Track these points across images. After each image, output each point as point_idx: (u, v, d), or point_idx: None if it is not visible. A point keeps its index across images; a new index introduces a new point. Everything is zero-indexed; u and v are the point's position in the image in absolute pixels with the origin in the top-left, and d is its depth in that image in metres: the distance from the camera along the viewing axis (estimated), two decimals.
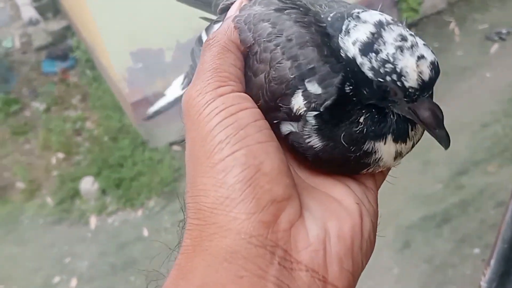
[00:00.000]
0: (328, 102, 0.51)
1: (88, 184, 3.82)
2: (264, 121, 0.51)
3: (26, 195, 3.89)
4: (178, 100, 0.70)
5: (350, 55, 0.51)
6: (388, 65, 0.50)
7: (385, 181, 0.59)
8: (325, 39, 0.53)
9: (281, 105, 0.53)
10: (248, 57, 0.56)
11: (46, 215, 3.77)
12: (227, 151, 0.48)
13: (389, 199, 2.62)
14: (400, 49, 0.50)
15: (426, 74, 0.50)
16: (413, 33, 0.51)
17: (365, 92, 0.52)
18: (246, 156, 0.48)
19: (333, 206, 0.52)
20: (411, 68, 0.49)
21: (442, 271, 2.79)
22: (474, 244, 2.86)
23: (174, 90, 0.86)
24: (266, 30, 0.55)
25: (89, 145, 4.10)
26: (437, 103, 0.52)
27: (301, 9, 0.56)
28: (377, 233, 0.54)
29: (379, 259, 2.77)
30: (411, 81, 0.49)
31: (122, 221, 3.66)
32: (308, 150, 0.53)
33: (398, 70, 0.49)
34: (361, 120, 0.52)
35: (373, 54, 0.50)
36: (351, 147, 0.53)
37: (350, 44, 0.51)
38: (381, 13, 0.53)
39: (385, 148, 0.53)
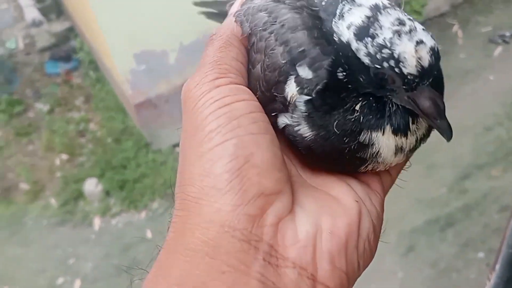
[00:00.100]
0: (319, 87, 0.49)
1: (91, 186, 3.82)
2: (262, 114, 0.49)
3: (29, 196, 3.88)
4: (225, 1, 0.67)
5: (344, 39, 0.48)
6: (385, 50, 0.46)
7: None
8: (316, 21, 0.50)
9: (276, 94, 0.51)
10: (249, 50, 0.54)
11: (50, 217, 3.76)
12: (217, 140, 0.46)
13: (393, 203, 2.59)
14: (398, 33, 0.47)
15: (426, 60, 0.47)
16: (411, 18, 0.48)
17: (361, 79, 0.48)
18: (235, 146, 0.46)
19: (329, 203, 0.49)
20: (410, 53, 0.46)
21: (447, 275, 2.77)
22: (478, 248, 2.85)
23: None
24: (262, 19, 0.53)
25: (92, 147, 4.09)
26: None
27: None
28: (380, 238, 0.51)
29: (383, 263, 2.76)
30: (410, 67, 0.46)
31: (126, 223, 3.66)
32: (301, 143, 0.51)
33: (395, 55, 0.46)
34: (357, 107, 0.49)
35: (369, 38, 0.47)
36: (345, 138, 0.49)
37: (345, 28, 0.49)
38: None
39: (384, 140, 0.50)
